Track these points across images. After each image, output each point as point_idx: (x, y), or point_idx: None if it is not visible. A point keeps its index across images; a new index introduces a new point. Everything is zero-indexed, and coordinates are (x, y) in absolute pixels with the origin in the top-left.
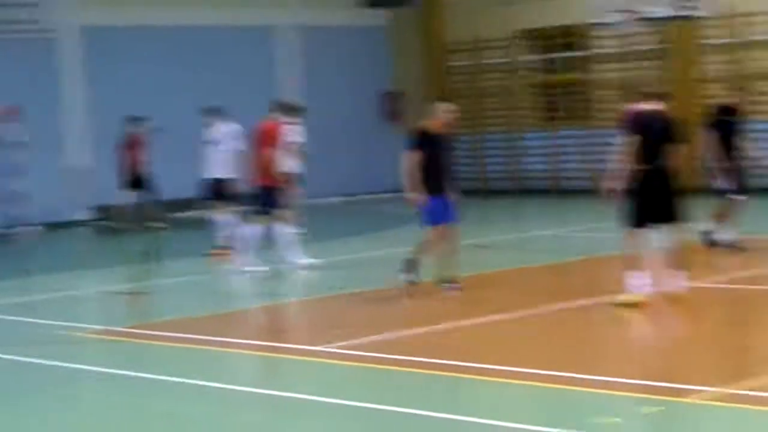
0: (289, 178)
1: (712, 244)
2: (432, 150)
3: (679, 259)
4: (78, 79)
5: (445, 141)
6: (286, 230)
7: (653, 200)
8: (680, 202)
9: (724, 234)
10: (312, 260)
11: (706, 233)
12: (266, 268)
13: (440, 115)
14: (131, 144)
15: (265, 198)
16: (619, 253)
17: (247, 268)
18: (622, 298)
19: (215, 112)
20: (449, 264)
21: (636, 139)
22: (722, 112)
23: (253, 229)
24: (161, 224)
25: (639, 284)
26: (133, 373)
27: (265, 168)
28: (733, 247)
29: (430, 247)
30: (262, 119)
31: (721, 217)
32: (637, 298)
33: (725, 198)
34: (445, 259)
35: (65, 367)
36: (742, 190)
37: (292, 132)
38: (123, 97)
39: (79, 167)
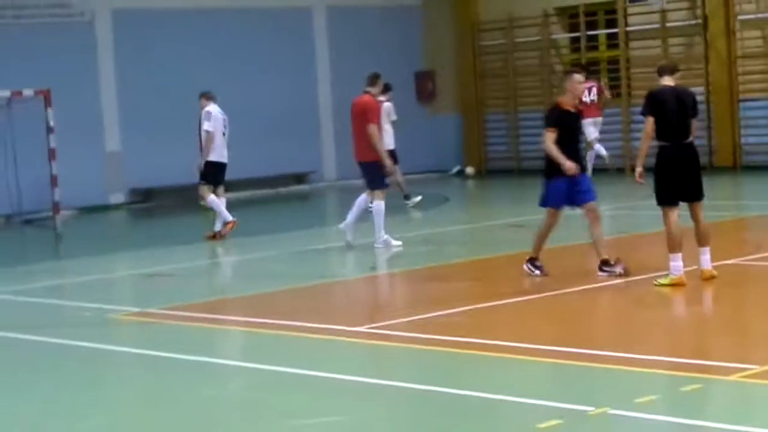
0: (388, 154)
1: None
2: (564, 127)
3: (707, 236)
4: (110, 63)
5: (576, 117)
6: (382, 207)
7: (677, 178)
8: (702, 179)
9: None
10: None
11: None
12: (399, 243)
13: (572, 87)
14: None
15: (371, 174)
16: (657, 231)
17: (384, 243)
18: (662, 276)
19: (207, 96)
20: (600, 245)
21: (651, 117)
22: None
23: (378, 204)
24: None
25: (677, 262)
26: (170, 355)
27: (368, 144)
28: None
29: (546, 230)
30: (359, 95)
31: None
32: (676, 277)
33: None
34: (596, 242)
35: (101, 349)
36: None
37: (388, 108)
38: (153, 81)
39: (113, 150)
